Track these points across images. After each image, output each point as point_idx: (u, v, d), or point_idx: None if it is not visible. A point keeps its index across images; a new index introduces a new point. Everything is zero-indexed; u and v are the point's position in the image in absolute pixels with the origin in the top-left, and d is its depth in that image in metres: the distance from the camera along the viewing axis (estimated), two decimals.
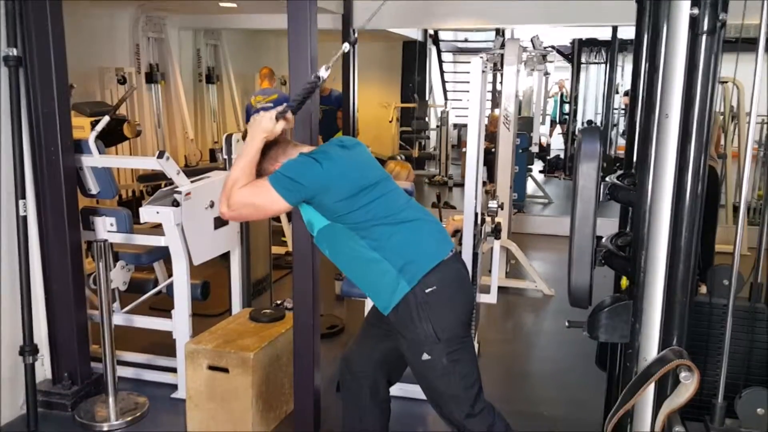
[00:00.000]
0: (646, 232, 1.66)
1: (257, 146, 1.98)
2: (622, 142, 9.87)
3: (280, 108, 2.02)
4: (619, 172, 2.02)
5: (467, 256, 2.89)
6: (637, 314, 1.70)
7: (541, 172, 10.05)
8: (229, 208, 1.93)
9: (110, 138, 4.06)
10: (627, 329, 1.73)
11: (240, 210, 1.95)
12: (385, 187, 2.04)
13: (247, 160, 1.96)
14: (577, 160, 1.82)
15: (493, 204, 3.30)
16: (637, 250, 1.69)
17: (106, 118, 3.13)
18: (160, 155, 2.89)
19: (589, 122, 10.62)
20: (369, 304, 3.02)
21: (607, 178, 1.95)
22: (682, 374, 1.53)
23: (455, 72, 12.05)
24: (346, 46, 2.17)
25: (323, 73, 2.04)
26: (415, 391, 2.66)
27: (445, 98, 11.48)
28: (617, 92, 9.94)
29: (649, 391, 1.65)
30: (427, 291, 1.94)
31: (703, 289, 1.90)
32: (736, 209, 6.13)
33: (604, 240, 1.96)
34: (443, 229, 2.15)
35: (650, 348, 1.67)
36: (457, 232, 3.03)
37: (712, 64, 1.51)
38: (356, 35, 2.26)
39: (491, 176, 5.05)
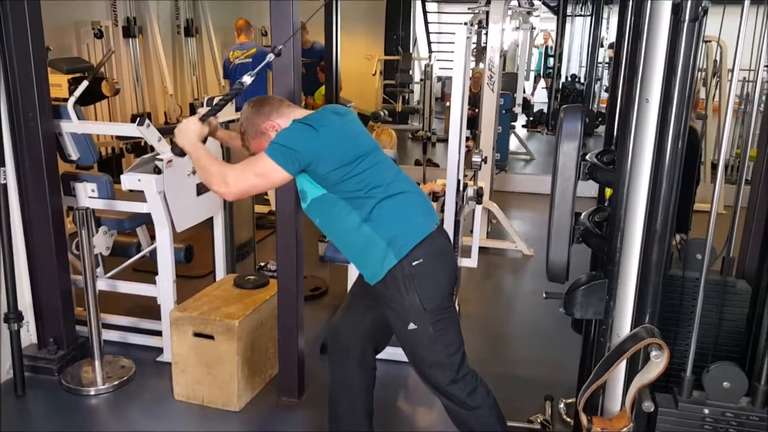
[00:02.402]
0: (623, 214, 1.69)
1: (200, 148, 2.04)
2: (605, 95, 9.86)
3: (202, 111, 2.11)
4: (600, 149, 2.04)
5: (449, 224, 2.92)
6: (612, 292, 1.75)
7: (524, 126, 10.05)
8: (228, 188, 1.94)
9: (88, 97, 3.97)
10: (602, 306, 1.78)
11: (242, 187, 1.96)
12: (376, 157, 2.06)
13: (204, 157, 2.01)
14: (558, 139, 1.84)
15: (476, 158, 3.29)
16: (613, 230, 1.73)
17: (84, 83, 3.07)
18: (141, 122, 2.84)
19: (573, 77, 10.55)
20: (352, 267, 3.06)
21: (587, 156, 1.98)
22: (653, 353, 1.59)
23: (440, 23, 11.85)
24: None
25: (246, 79, 2.09)
26: (397, 353, 2.72)
27: (430, 51, 11.30)
28: (602, 46, 9.87)
29: (621, 366, 1.71)
30: (414, 264, 1.98)
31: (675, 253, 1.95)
32: (714, 167, 6.20)
33: (582, 217, 1.99)
34: (429, 202, 2.19)
35: (623, 325, 1.73)
36: (437, 197, 3.03)
37: (694, 49, 1.52)
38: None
39: (473, 134, 5.04)
